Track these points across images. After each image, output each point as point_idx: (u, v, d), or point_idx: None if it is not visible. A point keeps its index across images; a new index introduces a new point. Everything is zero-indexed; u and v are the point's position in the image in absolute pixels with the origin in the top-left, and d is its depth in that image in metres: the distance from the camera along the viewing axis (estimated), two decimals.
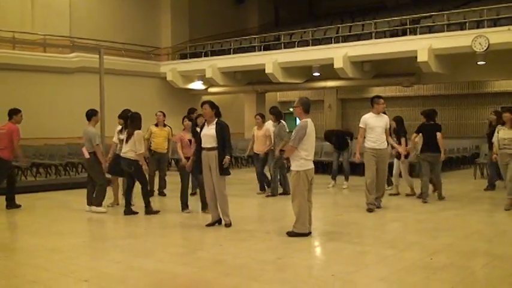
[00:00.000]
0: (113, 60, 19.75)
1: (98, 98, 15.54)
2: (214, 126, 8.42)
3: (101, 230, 9.18)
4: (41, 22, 20.39)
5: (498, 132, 9.90)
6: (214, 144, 8.36)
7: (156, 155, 12.17)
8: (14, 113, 10.73)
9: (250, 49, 21.09)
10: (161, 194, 12.32)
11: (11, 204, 10.73)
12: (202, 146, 8.47)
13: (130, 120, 10.04)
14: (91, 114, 10.37)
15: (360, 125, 9.95)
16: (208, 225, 8.66)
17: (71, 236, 8.31)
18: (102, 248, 7.56)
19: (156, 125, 12.26)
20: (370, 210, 9.70)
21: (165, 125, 12.32)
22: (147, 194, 10.09)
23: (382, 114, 10.02)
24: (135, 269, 6.28)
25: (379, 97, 10.11)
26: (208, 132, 8.43)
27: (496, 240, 7.50)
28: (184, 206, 9.99)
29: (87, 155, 10.20)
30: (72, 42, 20.19)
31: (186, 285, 5.67)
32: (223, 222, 8.64)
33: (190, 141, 9.78)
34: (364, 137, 9.91)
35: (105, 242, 8.03)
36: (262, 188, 12.34)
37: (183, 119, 10.41)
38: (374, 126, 9.81)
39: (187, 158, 9.57)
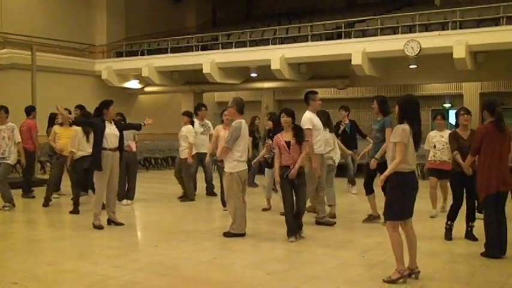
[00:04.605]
0: (46, 57, 19.14)
1: (30, 96, 15.11)
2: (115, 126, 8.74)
3: (32, 232, 8.90)
4: None
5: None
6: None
7: (62, 159, 10.97)
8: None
9: (188, 49, 20.95)
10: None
11: None
12: (108, 146, 8.51)
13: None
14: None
15: (308, 126, 8.23)
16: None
17: None
18: (33, 250, 7.34)
19: (61, 124, 11.21)
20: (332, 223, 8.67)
21: (71, 124, 11.01)
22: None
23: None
24: (67, 271, 6.14)
25: (314, 92, 8.73)
26: (115, 132, 8.64)
27: (426, 238, 7.74)
28: (293, 232, 7.64)
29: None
30: (3, 38, 19.47)
31: (117, 287, 5.58)
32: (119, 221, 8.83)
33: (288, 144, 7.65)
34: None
35: (37, 244, 7.81)
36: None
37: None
38: (320, 127, 8.52)
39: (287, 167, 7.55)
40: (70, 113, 10.74)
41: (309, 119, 8.37)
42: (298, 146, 7.53)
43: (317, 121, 8.46)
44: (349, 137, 11.99)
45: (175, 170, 11.97)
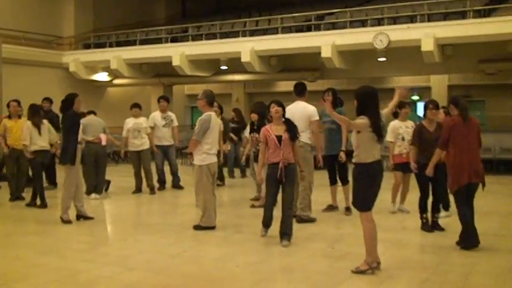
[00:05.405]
0: (12, 49, 18.77)
1: None
2: None
3: (1, 226, 8.77)
4: None
5: None
6: None
7: (15, 153, 10.52)
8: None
9: (157, 41, 20.76)
10: (20, 198, 10.64)
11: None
12: (79, 140, 8.56)
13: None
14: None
15: (317, 118, 8.21)
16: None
17: None
18: (2, 245, 7.23)
19: (9, 117, 10.84)
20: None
21: (19, 116, 10.80)
22: None
23: None
24: (36, 265, 6.07)
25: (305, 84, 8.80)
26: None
27: (395, 229, 7.84)
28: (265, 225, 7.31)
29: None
30: None
31: (86, 281, 5.54)
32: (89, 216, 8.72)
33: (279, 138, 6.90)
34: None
35: (4, 238, 7.67)
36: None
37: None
38: None
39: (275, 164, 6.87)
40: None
41: (315, 110, 8.21)
42: (290, 142, 6.88)
43: None
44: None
45: (135, 165, 11.48)
